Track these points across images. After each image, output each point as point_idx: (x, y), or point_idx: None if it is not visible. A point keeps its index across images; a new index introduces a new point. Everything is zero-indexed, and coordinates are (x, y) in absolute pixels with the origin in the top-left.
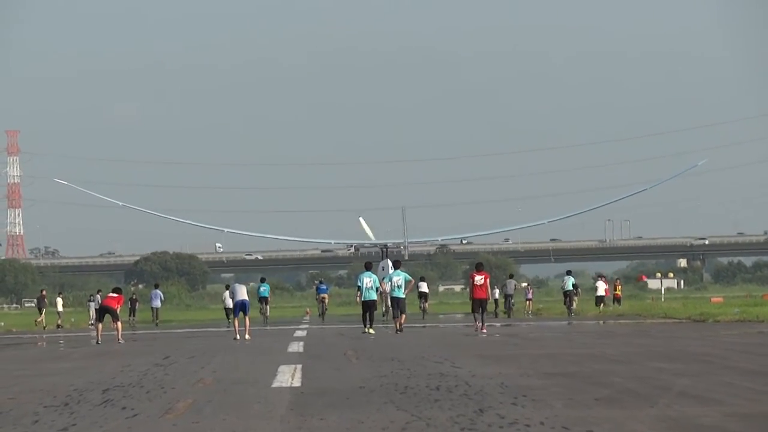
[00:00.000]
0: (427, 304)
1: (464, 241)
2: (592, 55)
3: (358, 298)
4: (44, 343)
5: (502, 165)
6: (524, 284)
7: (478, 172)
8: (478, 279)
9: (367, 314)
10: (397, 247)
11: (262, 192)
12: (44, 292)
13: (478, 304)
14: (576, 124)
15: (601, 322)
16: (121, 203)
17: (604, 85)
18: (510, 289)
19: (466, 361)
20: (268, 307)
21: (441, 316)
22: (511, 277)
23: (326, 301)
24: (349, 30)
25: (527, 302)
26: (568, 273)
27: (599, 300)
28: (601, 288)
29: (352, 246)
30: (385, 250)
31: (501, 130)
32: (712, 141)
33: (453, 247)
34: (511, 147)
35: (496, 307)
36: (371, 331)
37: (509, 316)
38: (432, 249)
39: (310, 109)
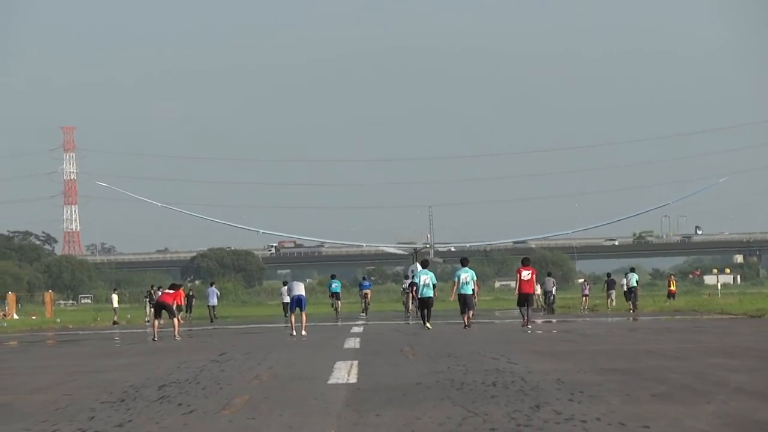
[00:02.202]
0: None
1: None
2: (626, 54)
3: (404, 295)
4: (100, 340)
5: (554, 162)
6: (581, 280)
7: (527, 169)
8: (525, 274)
9: (425, 311)
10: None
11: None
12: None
13: (524, 299)
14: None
15: (631, 318)
16: (160, 204)
17: (644, 84)
18: (549, 286)
19: (521, 357)
20: (339, 302)
21: (497, 312)
22: (549, 275)
23: (368, 297)
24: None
25: (583, 298)
26: (632, 270)
27: (629, 294)
28: (631, 282)
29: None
30: (414, 254)
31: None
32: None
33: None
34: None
35: (549, 303)
36: (428, 325)
37: (552, 312)
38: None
39: (357, 111)
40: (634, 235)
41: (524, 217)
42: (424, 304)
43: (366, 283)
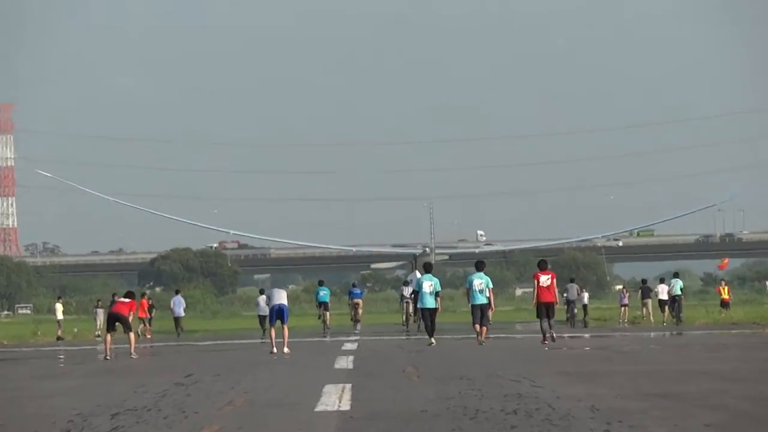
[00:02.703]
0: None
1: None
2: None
3: (403, 304)
4: (41, 359)
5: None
6: (619, 287)
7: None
8: (544, 279)
9: (428, 323)
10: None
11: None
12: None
13: (545, 309)
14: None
15: (667, 333)
16: (111, 198)
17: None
18: (573, 295)
19: (548, 379)
20: (328, 314)
21: (518, 325)
22: (572, 281)
23: (360, 307)
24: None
25: (622, 309)
26: (675, 275)
27: (664, 304)
28: (664, 291)
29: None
30: (414, 261)
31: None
32: None
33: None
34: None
35: (572, 315)
36: (432, 340)
37: (572, 326)
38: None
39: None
40: (631, 234)
41: (550, 211)
42: (427, 315)
43: (357, 290)
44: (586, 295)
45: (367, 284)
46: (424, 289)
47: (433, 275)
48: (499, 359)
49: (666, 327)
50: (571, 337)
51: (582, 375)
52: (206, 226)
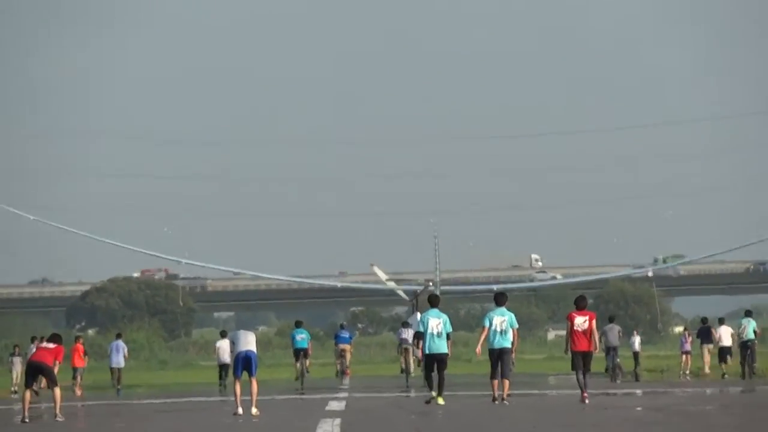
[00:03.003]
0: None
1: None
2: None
3: (418, 351)
4: None
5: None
6: (679, 329)
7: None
8: (580, 322)
9: (433, 375)
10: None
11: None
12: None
13: (581, 359)
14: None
15: (737, 388)
16: (32, 217)
17: None
18: (613, 339)
19: None
20: (308, 362)
21: (551, 378)
22: (611, 320)
23: (348, 354)
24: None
25: (684, 357)
26: (748, 314)
27: (724, 353)
28: (726, 334)
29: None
30: (415, 301)
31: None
32: None
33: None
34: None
35: (614, 366)
36: (440, 400)
37: (614, 380)
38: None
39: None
40: (657, 261)
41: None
42: (434, 363)
43: (345, 333)
44: (637, 340)
45: (359, 325)
46: (430, 330)
47: (441, 311)
48: (526, 422)
49: (729, 381)
50: (614, 393)
51: None
52: (147, 252)
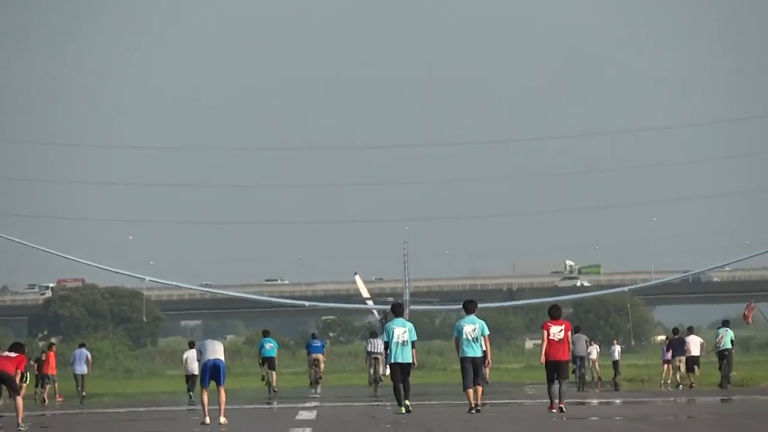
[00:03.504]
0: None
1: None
2: None
3: (369, 359)
4: None
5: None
6: (661, 337)
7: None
8: (555, 331)
9: (399, 384)
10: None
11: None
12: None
13: (554, 369)
14: None
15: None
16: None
17: None
18: (580, 349)
19: None
20: (275, 373)
21: (528, 387)
22: (577, 331)
23: (321, 363)
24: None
25: (665, 366)
26: (725, 324)
27: (691, 363)
28: (695, 344)
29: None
30: (383, 320)
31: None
32: None
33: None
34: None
35: (580, 375)
36: (402, 409)
37: (580, 389)
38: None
39: None
40: (571, 270)
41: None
42: (399, 372)
43: (316, 343)
44: (617, 349)
45: (331, 334)
46: (395, 339)
47: (406, 320)
48: None
49: (708, 390)
50: (593, 403)
51: None
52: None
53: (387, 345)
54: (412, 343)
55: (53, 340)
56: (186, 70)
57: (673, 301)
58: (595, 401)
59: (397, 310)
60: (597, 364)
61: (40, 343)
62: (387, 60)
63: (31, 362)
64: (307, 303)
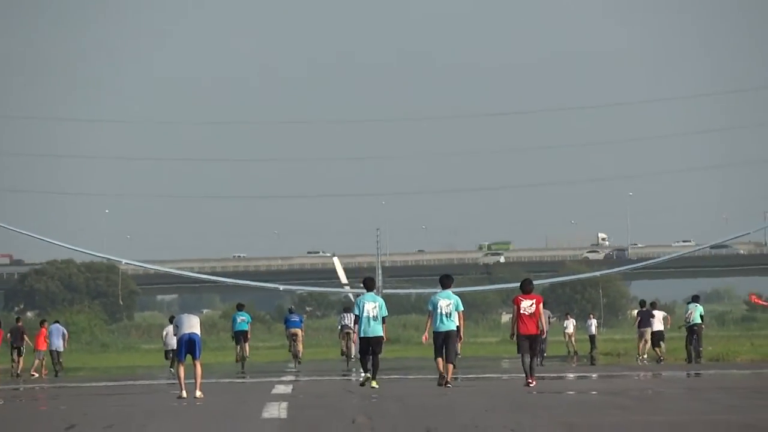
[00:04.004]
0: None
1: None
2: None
3: (354, 334)
4: None
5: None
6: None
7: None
8: (527, 305)
9: (368, 358)
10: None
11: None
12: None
13: (527, 343)
14: None
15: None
16: None
17: None
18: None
19: None
20: (247, 345)
21: (505, 361)
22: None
23: (300, 338)
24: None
25: (641, 341)
26: (695, 299)
27: (656, 337)
28: (658, 319)
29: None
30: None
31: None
32: None
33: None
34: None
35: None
36: (374, 383)
37: (540, 363)
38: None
39: None
40: (481, 248)
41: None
42: (368, 346)
43: (294, 318)
44: (593, 323)
45: (307, 308)
46: (365, 313)
47: (376, 294)
48: (478, 406)
49: (677, 365)
50: (570, 377)
51: (587, 428)
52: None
53: (357, 319)
54: (383, 318)
55: (29, 314)
56: (164, 46)
57: (649, 276)
58: (571, 375)
59: (368, 284)
60: (573, 338)
61: (16, 317)
62: (365, 35)
63: (21, 336)
64: (281, 287)
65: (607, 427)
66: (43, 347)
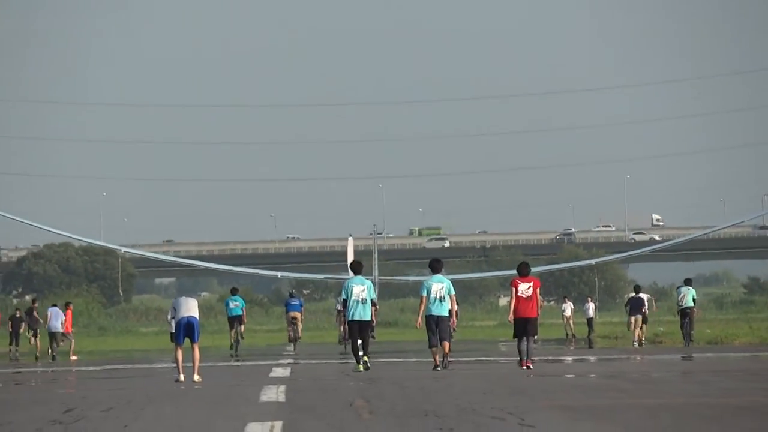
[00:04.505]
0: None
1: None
2: None
3: (340, 318)
4: None
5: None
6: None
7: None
8: (524, 288)
9: (357, 342)
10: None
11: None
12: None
13: (523, 327)
14: None
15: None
16: None
17: None
18: None
19: (540, 415)
20: (242, 327)
21: (502, 345)
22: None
23: (299, 321)
24: None
25: (633, 326)
26: (687, 282)
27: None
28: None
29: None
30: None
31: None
32: None
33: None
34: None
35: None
36: (361, 367)
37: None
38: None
39: None
40: (412, 233)
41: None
42: (357, 330)
43: (294, 301)
44: (591, 306)
45: (305, 291)
46: (354, 296)
47: (365, 278)
48: (476, 389)
49: (672, 348)
50: (575, 360)
51: (586, 410)
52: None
53: (345, 303)
54: (372, 300)
55: (27, 297)
56: (159, 28)
57: (646, 259)
58: (569, 358)
59: (356, 268)
60: (572, 321)
61: (14, 301)
62: (363, 13)
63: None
64: (279, 274)
65: (605, 410)
66: (68, 330)
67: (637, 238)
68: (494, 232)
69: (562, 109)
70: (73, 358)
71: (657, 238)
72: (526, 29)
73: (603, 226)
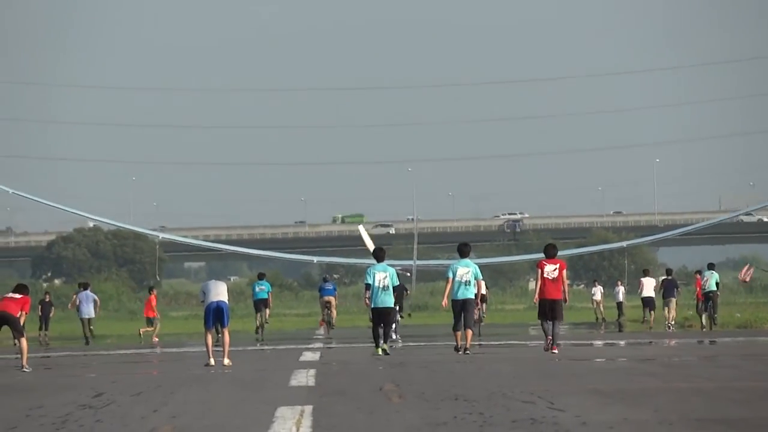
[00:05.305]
0: (482, 309)
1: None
2: None
3: (366, 301)
4: None
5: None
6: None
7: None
8: (550, 269)
9: (379, 328)
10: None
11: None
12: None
13: (549, 309)
14: None
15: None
16: (10, 191)
17: None
18: None
19: (570, 399)
20: (268, 311)
21: (532, 329)
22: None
23: (333, 306)
24: None
25: (666, 310)
26: (710, 266)
27: (647, 304)
28: (649, 286)
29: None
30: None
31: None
32: None
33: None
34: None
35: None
36: (379, 351)
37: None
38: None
39: None
40: (335, 220)
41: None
42: (378, 317)
43: (329, 286)
44: (621, 290)
45: (335, 275)
46: (376, 283)
47: (386, 265)
48: (505, 373)
49: (698, 333)
50: (606, 344)
51: (616, 394)
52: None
53: (368, 287)
54: (394, 288)
55: (56, 282)
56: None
57: (676, 242)
58: (599, 342)
59: (379, 255)
60: (602, 305)
61: (44, 285)
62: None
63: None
64: (315, 259)
65: (635, 394)
66: (152, 314)
67: (746, 219)
68: (526, 216)
69: (592, 95)
70: (155, 340)
71: (765, 220)
72: (556, 17)
73: (614, 213)
